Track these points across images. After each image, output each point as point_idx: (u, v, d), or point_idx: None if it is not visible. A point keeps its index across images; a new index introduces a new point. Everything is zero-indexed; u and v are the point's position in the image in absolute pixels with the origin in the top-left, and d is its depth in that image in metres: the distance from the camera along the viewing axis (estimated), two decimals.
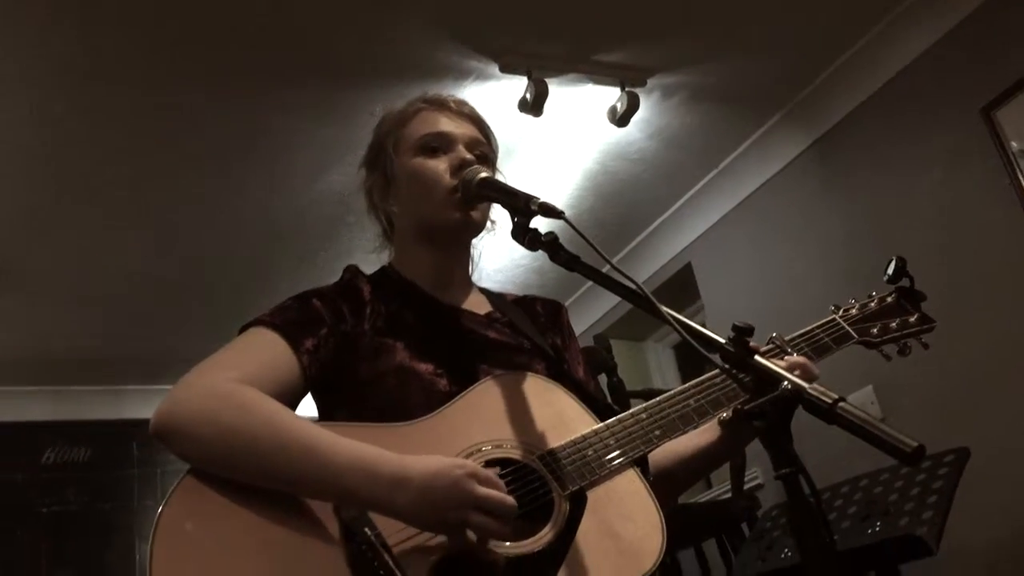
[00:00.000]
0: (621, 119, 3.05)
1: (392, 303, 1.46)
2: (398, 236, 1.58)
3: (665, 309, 1.24)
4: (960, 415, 2.84)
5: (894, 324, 1.59)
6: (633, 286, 1.28)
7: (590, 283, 4.26)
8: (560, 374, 1.47)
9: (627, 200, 3.70)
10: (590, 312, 4.41)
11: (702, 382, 1.42)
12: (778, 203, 3.50)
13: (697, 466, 1.49)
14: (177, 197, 3.21)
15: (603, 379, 3.07)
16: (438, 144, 1.50)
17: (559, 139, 3.28)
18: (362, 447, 1.19)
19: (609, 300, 4.30)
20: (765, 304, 3.56)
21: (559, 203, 3.84)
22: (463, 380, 1.36)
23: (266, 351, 1.31)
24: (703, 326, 1.25)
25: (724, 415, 1.32)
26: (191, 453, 1.19)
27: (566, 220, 1.36)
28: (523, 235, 1.42)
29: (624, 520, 1.24)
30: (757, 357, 1.10)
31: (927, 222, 2.98)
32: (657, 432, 1.33)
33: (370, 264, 1.61)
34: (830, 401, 1.00)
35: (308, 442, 1.18)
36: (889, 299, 1.63)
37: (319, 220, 3.44)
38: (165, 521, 1.13)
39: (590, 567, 1.19)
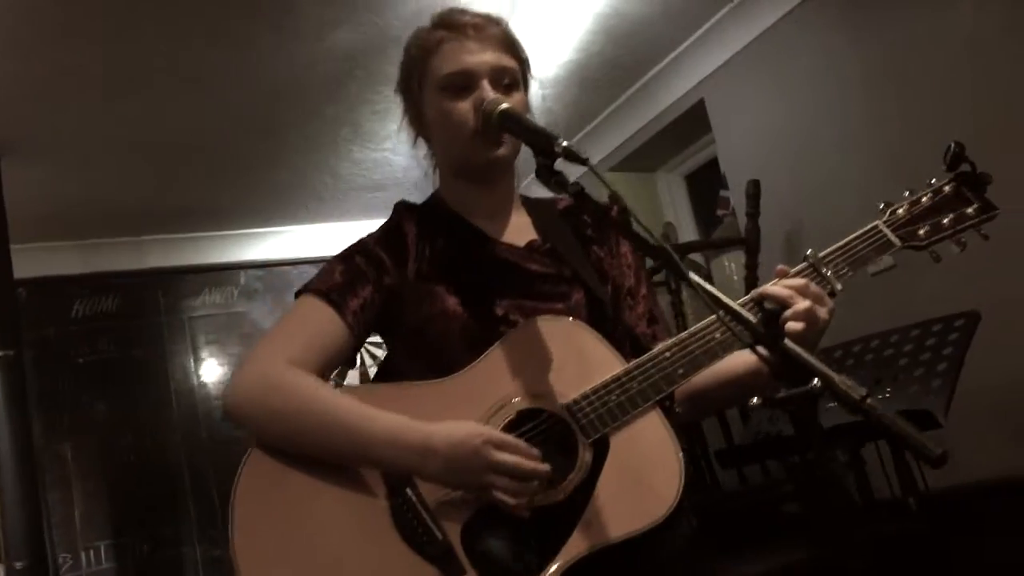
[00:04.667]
0: None
1: (437, 241, 1.54)
2: (439, 166, 1.61)
3: (694, 276, 1.25)
4: (975, 274, 2.88)
5: (947, 220, 1.48)
6: (660, 244, 1.30)
7: (601, 118, 4.23)
8: (597, 304, 1.51)
9: (639, 39, 3.59)
10: (602, 145, 4.38)
11: (720, 317, 1.37)
12: (795, 39, 3.40)
13: (733, 393, 1.49)
14: (182, 57, 3.13)
15: None
16: (462, 82, 1.48)
17: None
18: (394, 420, 1.34)
19: (619, 134, 4.26)
20: (778, 143, 3.54)
21: (569, 48, 3.79)
22: (501, 322, 1.45)
23: (314, 322, 1.45)
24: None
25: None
26: (253, 432, 1.37)
27: (591, 168, 1.37)
28: (548, 178, 1.43)
29: (644, 465, 1.33)
30: (787, 341, 1.12)
31: (951, 63, 2.90)
32: (680, 371, 1.36)
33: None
34: (857, 397, 1.05)
35: (346, 421, 1.35)
36: (947, 188, 1.50)
37: (327, 76, 3.37)
38: (242, 487, 1.33)
39: (610, 513, 1.29)
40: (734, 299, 1.17)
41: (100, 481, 4.14)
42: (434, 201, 1.62)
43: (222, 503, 4.36)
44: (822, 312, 1.36)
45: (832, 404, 2.40)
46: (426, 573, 1.29)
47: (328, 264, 1.52)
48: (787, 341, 1.12)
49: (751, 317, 1.17)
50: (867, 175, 3.19)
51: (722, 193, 3.99)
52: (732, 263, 3.82)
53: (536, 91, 3.85)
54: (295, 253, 4.77)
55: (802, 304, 1.34)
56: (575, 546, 1.27)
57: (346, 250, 1.53)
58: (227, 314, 4.61)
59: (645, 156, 4.30)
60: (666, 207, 4.46)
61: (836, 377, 1.07)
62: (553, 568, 1.26)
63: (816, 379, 1.07)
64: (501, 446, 1.29)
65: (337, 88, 3.46)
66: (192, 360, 4.47)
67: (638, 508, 1.29)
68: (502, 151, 1.50)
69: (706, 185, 4.30)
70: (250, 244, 4.68)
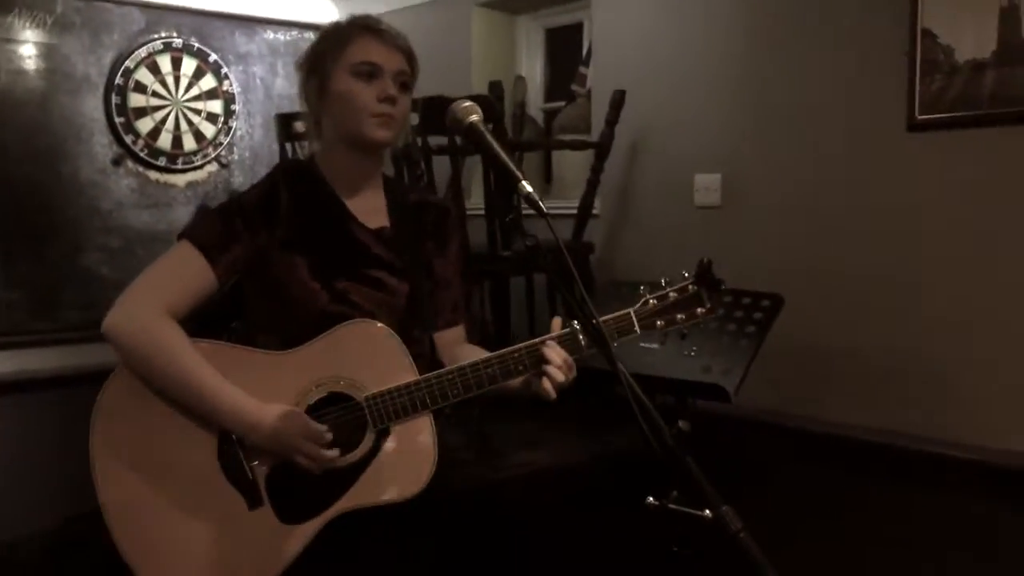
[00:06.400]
0: None
1: (305, 211, 1.85)
2: (325, 134, 1.90)
3: (621, 367, 1.45)
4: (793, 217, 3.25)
5: (680, 316, 1.83)
6: (593, 317, 1.49)
7: None
8: (415, 297, 1.90)
9: None
10: None
11: (503, 355, 1.77)
12: None
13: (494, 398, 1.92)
14: None
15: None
16: (369, 71, 1.81)
17: None
18: (236, 398, 1.71)
19: None
20: (652, 49, 3.64)
21: None
22: (339, 298, 1.82)
23: (190, 273, 1.77)
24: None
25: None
26: (122, 360, 1.74)
27: (547, 221, 1.53)
28: (504, 214, 1.56)
29: (410, 455, 1.76)
30: (692, 466, 1.36)
31: (823, 70, 3.12)
32: (455, 392, 1.76)
33: None
34: (734, 529, 1.31)
35: (200, 388, 1.71)
36: (691, 288, 1.83)
37: None
38: (106, 397, 1.75)
39: (378, 483, 1.74)
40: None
41: None
42: (310, 168, 1.91)
43: (4, 243, 4.17)
44: (568, 378, 1.77)
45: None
46: (232, 497, 1.73)
47: (208, 217, 1.82)
48: (690, 462, 1.37)
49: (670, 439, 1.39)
50: (722, 108, 3.40)
51: (581, 69, 4.07)
52: (574, 154, 3.97)
53: None
54: None
55: (559, 376, 1.75)
56: (347, 501, 1.73)
57: (225, 206, 1.83)
58: (37, 43, 4.20)
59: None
60: (520, 57, 4.48)
61: (724, 506, 1.33)
62: (327, 511, 1.72)
63: (707, 510, 1.32)
64: (309, 437, 1.69)
65: None
66: None
67: (398, 485, 1.74)
68: (387, 135, 1.83)
69: (567, 46, 4.34)
70: None
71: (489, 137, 1.59)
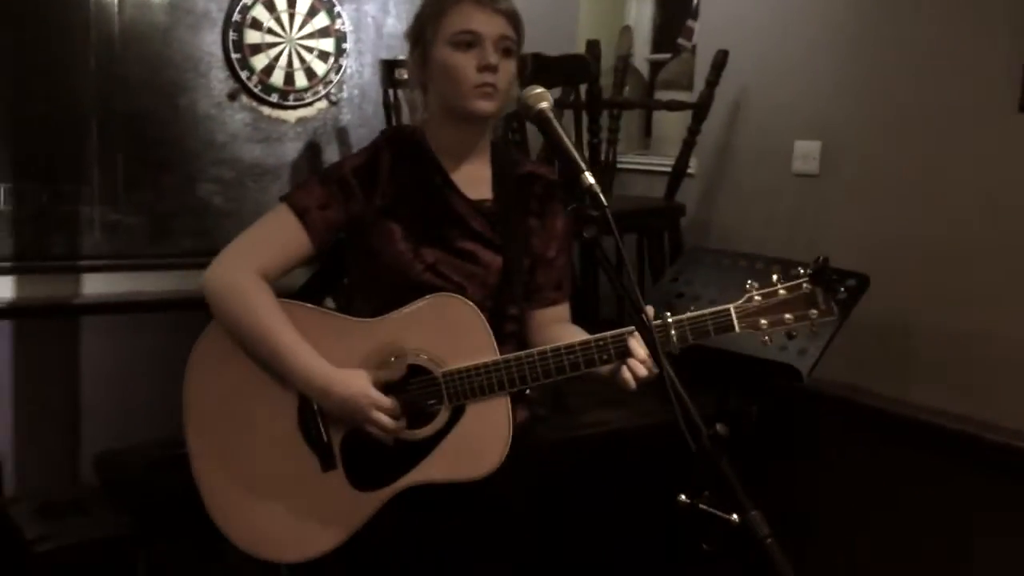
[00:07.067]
0: None
1: (406, 179, 1.83)
2: (430, 105, 1.86)
3: (667, 366, 1.48)
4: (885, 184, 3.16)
5: (790, 316, 1.67)
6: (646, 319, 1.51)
7: None
8: (508, 273, 1.84)
9: None
10: None
11: (586, 342, 1.72)
12: None
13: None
14: None
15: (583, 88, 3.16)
16: (469, 40, 1.74)
17: None
18: (309, 364, 1.74)
19: None
20: (755, 13, 3.54)
21: None
22: (429, 269, 1.80)
23: (285, 237, 1.80)
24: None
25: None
26: (215, 317, 1.80)
27: (607, 214, 1.54)
28: (568, 201, 1.58)
29: (483, 435, 1.75)
30: (726, 469, 1.38)
31: (935, 42, 2.99)
32: (534, 375, 1.73)
33: None
34: (761, 535, 1.34)
35: (278, 348, 1.75)
36: (804, 287, 1.67)
37: None
38: (199, 349, 1.83)
39: (449, 458, 1.74)
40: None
41: (4, 120, 4.06)
42: (417, 137, 1.87)
43: (125, 170, 4.40)
44: (652, 373, 1.68)
45: None
46: (308, 457, 1.79)
47: (309, 182, 1.85)
48: (725, 465, 1.40)
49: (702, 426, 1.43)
50: (827, 75, 3.30)
51: (689, 22, 4.00)
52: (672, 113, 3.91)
53: None
54: None
55: (641, 371, 1.69)
56: (417, 474, 1.75)
57: (327, 172, 1.85)
58: None
59: None
60: (629, 5, 4.41)
61: (752, 512, 1.36)
62: (397, 483, 1.75)
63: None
64: (379, 407, 1.72)
65: None
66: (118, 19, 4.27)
67: (467, 464, 1.74)
68: (489, 106, 1.76)
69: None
70: None
71: (556, 125, 1.61)
